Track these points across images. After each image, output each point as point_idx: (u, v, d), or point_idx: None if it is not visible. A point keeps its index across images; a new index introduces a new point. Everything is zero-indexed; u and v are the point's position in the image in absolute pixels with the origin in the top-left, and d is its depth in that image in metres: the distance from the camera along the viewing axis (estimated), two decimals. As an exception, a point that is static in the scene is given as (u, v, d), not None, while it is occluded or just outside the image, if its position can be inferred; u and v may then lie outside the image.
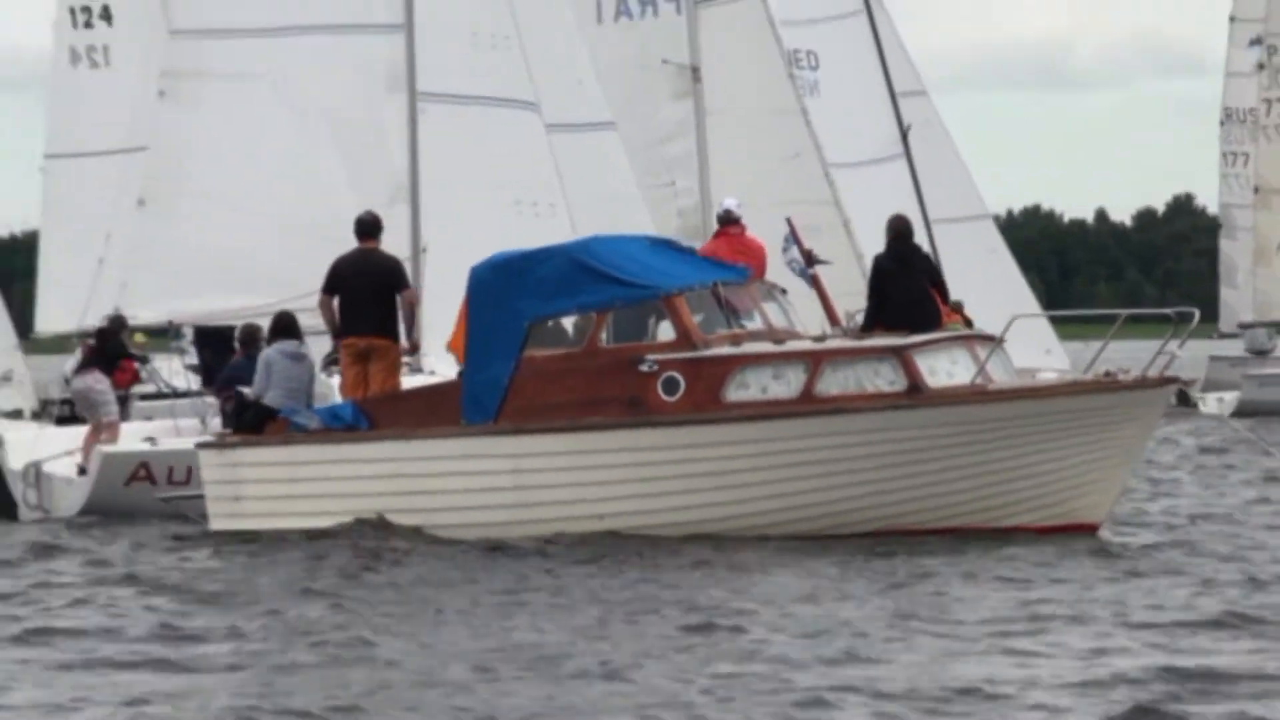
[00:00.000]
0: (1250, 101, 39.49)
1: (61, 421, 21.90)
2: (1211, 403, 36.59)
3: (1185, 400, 36.49)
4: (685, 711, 7.30)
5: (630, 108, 25.29)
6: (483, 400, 16.55)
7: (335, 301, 17.75)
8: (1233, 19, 41.05)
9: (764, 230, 21.38)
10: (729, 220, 20.30)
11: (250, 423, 17.47)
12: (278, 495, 17.16)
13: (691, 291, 16.57)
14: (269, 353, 18.17)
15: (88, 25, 28.75)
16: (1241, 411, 35.55)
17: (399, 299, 17.76)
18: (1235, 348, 39.93)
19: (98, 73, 29.23)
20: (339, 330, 17.95)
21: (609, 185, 24.02)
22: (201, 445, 17.81)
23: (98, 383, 20.03)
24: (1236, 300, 41.12)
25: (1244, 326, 39.50)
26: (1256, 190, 37.36)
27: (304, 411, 17.07)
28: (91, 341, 21.99)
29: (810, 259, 19.97)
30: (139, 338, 23.87)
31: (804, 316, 17.94)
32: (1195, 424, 33.30)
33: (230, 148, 21.18)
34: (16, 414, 22.00)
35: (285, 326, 18.42)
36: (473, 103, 22.12)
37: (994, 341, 17.33)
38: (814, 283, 19.33)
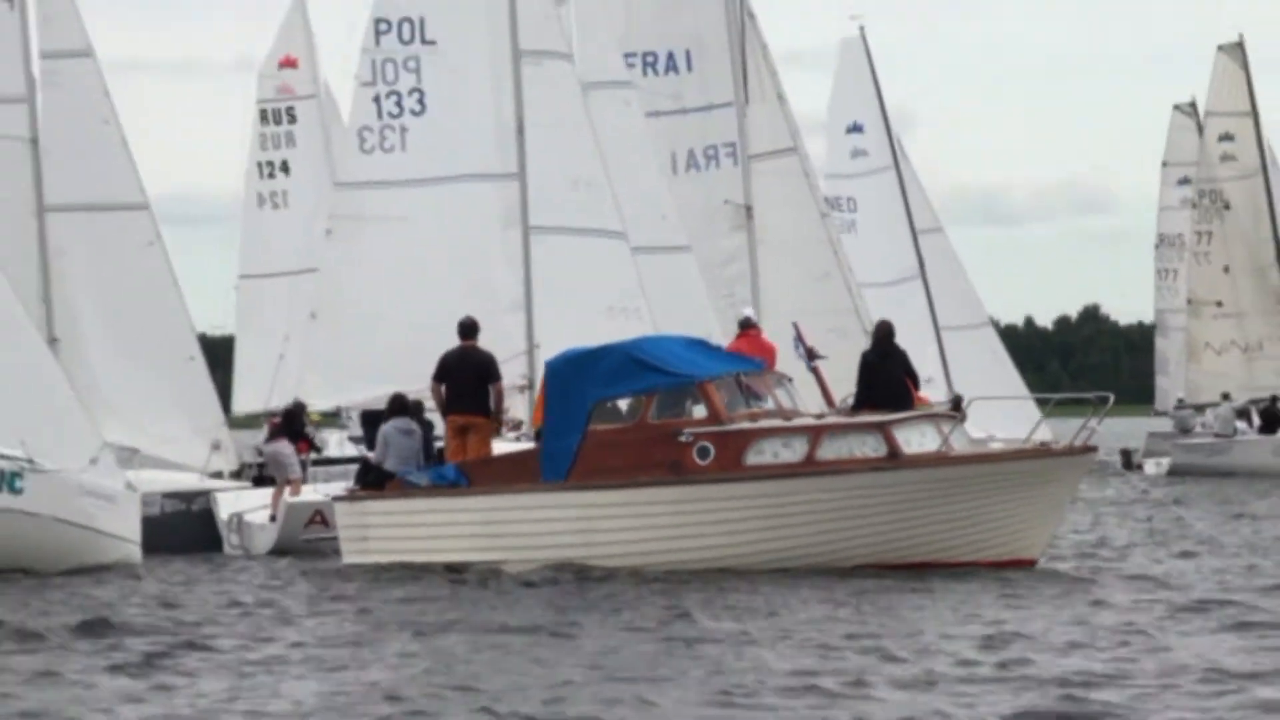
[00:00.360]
0: (1179, 228, 38.74)
1: (257, 482, 21.63)
2: (1150, 465, 35.73)
3: (1129, 464, 35.86)
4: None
5: (699, 237, 24.82)
6: (557, 463, 16.25)
7: (442, 387, 17.48)
8: (1165, 164, 40.27)
9: (816, 330, 21.70)
10: (748, 325, 20.02)
11: (373, 481, 17.19)
12: (395, 538, 16.89)
13: (719, 380, 16.35)
14: (386, 428, 17.89)
15: (271, 176, 29.02)
16: (1173, 472, 34.72)
17: (491, 388, 17.50)
18: (1166, 424, 39.15)
19: (278, 212, 29.34)
20: (445, 409, 17.57)
21: (684, 295, 23.23)
22: (337, 499, 17.65)
23: (285, 449, 19.92)
24: (1169, 386, 40.39)
25: (1179, 407, 38.32)
26: (1189, 302, 36.26)
27: (415, 472, 16.75)
28: (277, 419, 21.77)
29: (812, 354, 19.60)
30: (314, 416, 23.24)
31: (806, 399, 17.51)
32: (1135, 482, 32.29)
33: (381, 273, 20.57)
34: (218, 474, 21.68)
35: (399, 407, 18.02)
36: (572, 233, 21.09)
37: (954, 419, 17.39)
38: (815, 372, 19.01)
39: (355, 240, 20.87)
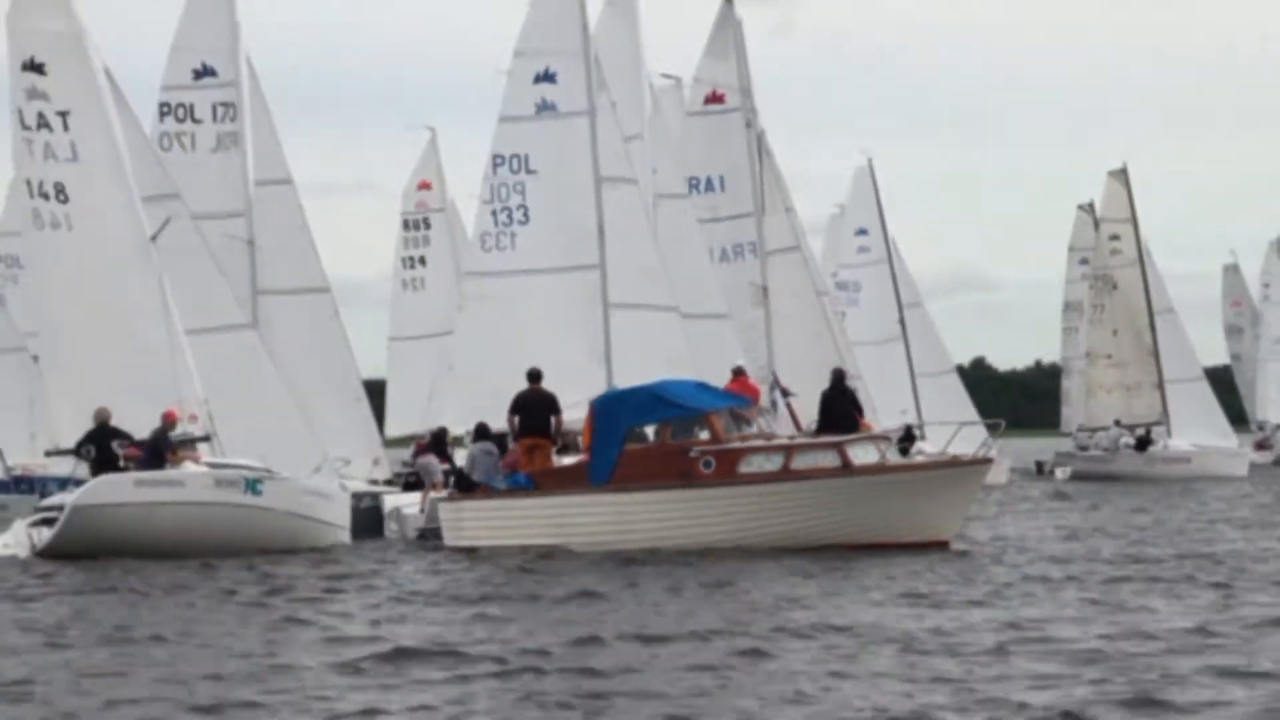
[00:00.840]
0: (1079, 297, 38.57)
1: (406, 487, 20.52)
2: (1059, 473, 34.59)
3: (1041, 471, 34.94)
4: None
5: (730, 310, 24.63)
6: (600, 472, 15.54)
7: (516, 418, 16.92)
8: (1071, 248, 39.91)
9: (810, 374, 21.34)
10: (739, 372, 19.19)
11: (465, 487, 16.72)
12: (482, 528, 16.18)
13: (718, 411, 15.70)
14: (473, 449, 17.53)
15: (412, 267, 28.70)
16: (1075, 477, 33.95)
17: (553, 418, 16.81)
18: (1070, 442, 38.60)
19: (419, 294, 28.71)
20: (518, 433, 16.93)
21: (723, 351, 21.95)
22: (438, 500, 17.24)
23: (432, 461, 19.30)
24: (1071, 414, 39.77)
25: (1080, 429, 37.21)
26: (1087, 354, 35.66)
27: (497, 479, 16.11)
28: (424, 440, 20.92)
29: (785, 392, 18.64)
30: (453, 437, 21.91)
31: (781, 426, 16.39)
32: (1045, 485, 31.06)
33: (499, 337, 19.96)
34: (375, 481, 21.04)
35: (482, 432, 17.55)
36: (640, 308, 20.63)
37: (888, 440, 16.81)
38: (788, 405, 18.16)
39: (480, 314, 20.51)
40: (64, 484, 16.64)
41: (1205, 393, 34.65)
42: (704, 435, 15.00)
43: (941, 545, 14.31)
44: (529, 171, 20.13)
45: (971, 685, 6.06)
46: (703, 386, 16.03)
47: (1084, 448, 36.07)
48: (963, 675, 6.37)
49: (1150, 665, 6.60)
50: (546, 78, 20.19)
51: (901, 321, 34.13)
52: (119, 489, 15.04)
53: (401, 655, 7.25)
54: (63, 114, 16.36)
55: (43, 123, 16.48)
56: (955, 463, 15.47)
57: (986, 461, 15.94)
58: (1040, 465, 35.62)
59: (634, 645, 7.73)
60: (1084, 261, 39.15)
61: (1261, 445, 37.91)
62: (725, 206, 25.57)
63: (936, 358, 35.97)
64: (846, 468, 14.40)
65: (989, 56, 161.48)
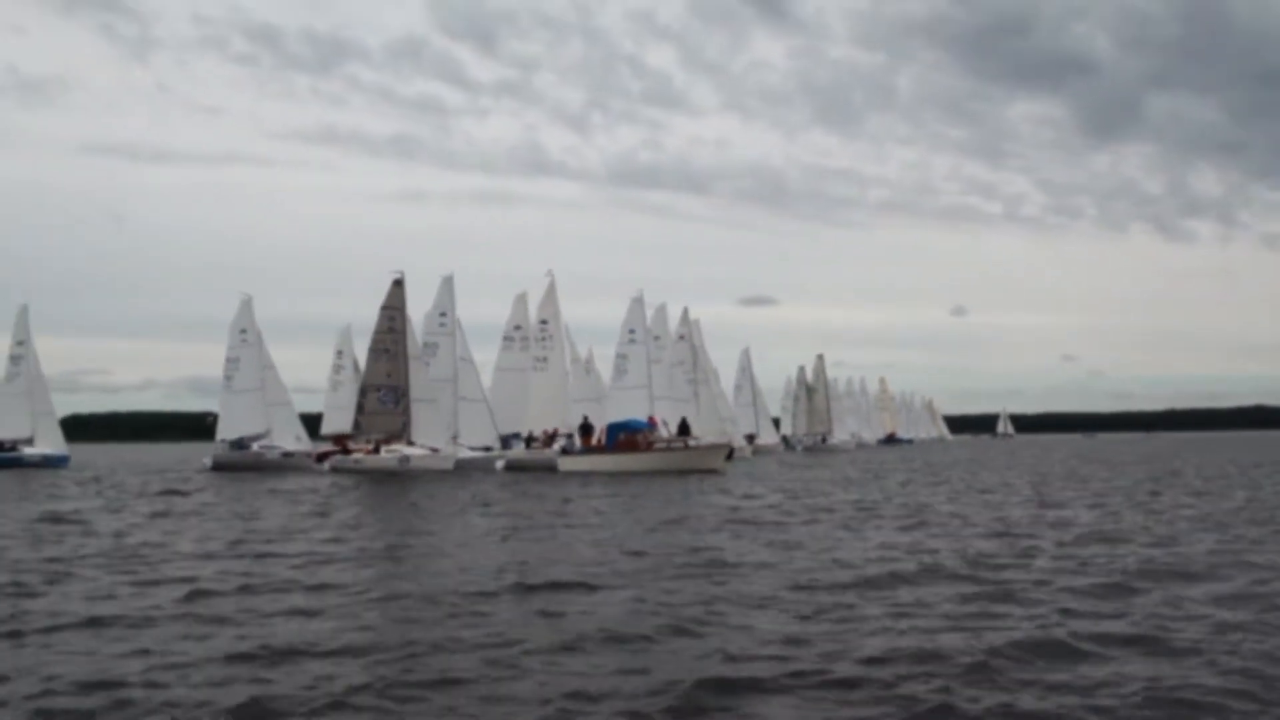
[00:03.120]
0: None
1: (564, 451, 36.37)
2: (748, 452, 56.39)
3: (730, 456, 43.82)
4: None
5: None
6: (609, 445, 34.85)
7: (580, 429, 36.23)
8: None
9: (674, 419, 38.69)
10: (650, 419, 36.78)
11: (569, 452, 35.45)
12: (572, 464, 34.92)
13: (647, 428, 35.52)
14: (574, 435, 36.44)
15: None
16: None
17: (594, 428, 36.17)
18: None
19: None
20: (582, 433, 35.85)
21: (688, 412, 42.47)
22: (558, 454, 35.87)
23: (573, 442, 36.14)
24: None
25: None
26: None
27: (578, 448, 35.51)
28: (554, 430, 38.08)
29: (653, 423, 36.78)
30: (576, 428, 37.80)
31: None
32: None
33: (601, 410, 38.34)
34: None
35: (584, 428, 36.13)
36: (664, 398, 39.44)
37: (697, 439, 36.84)
38: (665, 427, 38.02)
39: (588, 404, 39.44)
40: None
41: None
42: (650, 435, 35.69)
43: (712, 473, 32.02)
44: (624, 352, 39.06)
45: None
46: (643, 421, 36.92)
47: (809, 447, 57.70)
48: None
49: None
50: None
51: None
52: None
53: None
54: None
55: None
56: (711, 445, 36.42)
57: (723, 446, 37.44)
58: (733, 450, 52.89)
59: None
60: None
61: None
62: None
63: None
64: (684, 446, 35.95)
65: None
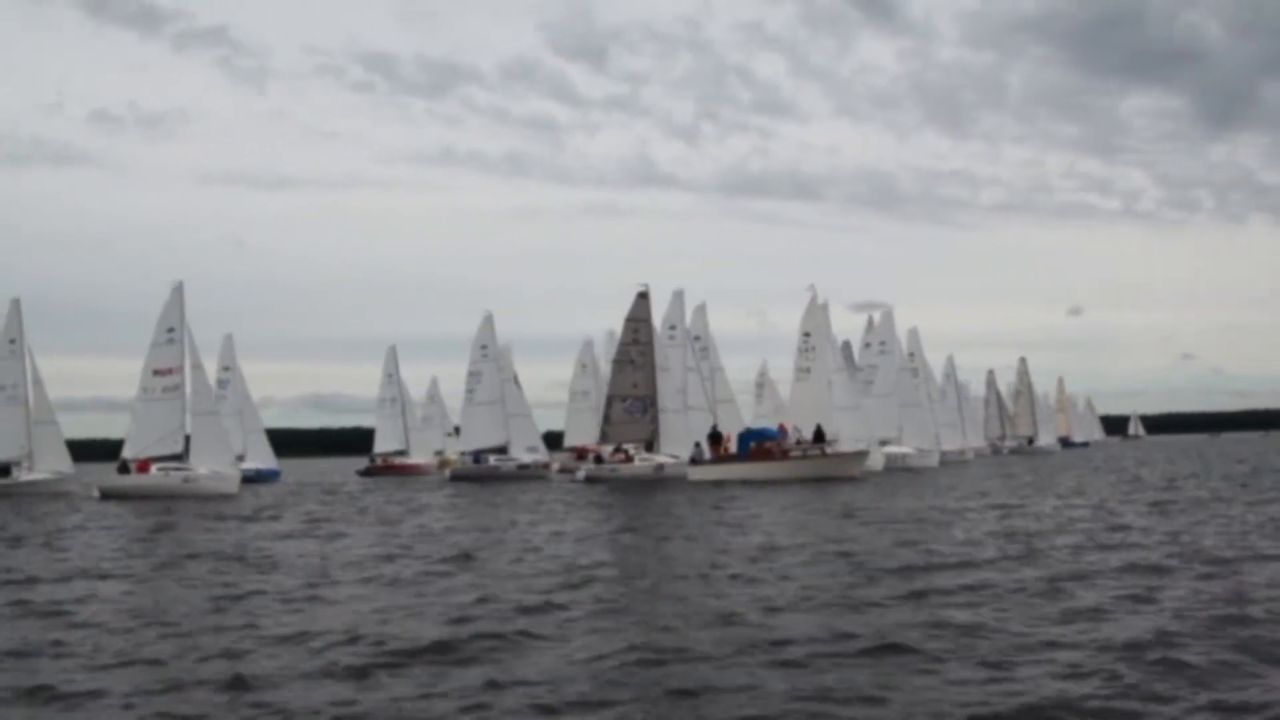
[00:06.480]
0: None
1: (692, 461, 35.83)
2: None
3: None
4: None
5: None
6: (742, 453, 33.95)
7: (709, 438, 35.82)
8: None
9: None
10: (782, 425, 36.41)
11: (699, 459, 34.26)
12: (702, 473, 33.67)
13: (780, 436, 34.43)
14: (701, 443, 34.93)
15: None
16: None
17: (723, 435, 35.53)
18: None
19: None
20: (712, 441, 35.41)
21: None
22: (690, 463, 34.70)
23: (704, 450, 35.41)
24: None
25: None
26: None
27: (707, 456, 34.11)
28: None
29: (782, 430, 36.15)
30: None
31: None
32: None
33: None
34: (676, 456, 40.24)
35: (713, 436, 35.54)
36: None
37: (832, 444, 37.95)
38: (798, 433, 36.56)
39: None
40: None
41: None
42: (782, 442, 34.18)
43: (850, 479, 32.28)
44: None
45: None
46: (770, 430, 35.86)
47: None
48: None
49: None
50: None
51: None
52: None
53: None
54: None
55: None
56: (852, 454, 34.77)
57: (864, 454, 35.28)
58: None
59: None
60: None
61: None
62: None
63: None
64: (821, 454, 34.25)
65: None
